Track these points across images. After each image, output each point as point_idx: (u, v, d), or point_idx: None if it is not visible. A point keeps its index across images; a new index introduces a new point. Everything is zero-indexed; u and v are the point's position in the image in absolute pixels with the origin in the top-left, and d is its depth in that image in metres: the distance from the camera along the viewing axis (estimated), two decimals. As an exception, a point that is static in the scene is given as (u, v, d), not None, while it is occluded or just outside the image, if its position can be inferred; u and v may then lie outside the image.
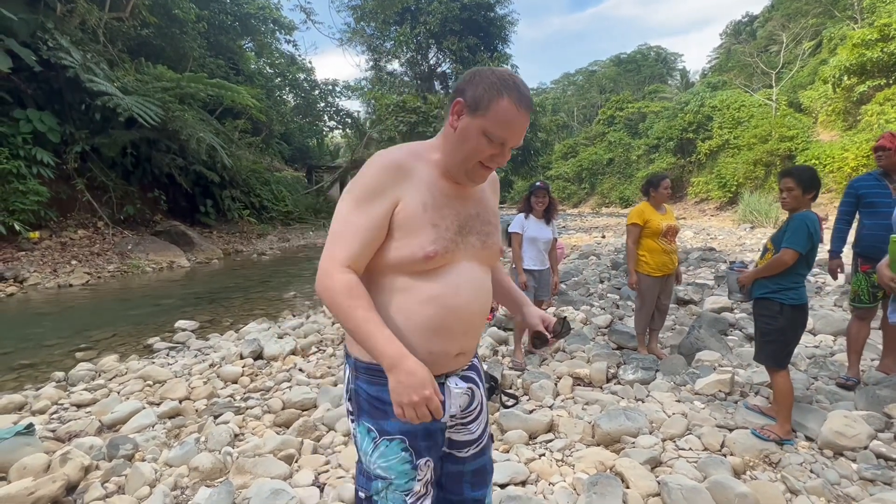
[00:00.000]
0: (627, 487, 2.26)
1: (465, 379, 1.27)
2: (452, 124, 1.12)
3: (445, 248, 1.12)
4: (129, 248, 11.50)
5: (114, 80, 12.00)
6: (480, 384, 1.33)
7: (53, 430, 3.12)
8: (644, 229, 3.99)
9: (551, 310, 5.72)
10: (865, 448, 2.50)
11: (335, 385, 3.72)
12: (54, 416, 3.43)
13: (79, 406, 3.58)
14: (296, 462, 2.64)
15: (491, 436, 1.45)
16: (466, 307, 1.18)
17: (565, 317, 1.44)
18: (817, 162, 17.77)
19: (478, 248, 1.21)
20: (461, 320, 1.18)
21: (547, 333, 1.35)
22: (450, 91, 28.18)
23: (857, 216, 3.43)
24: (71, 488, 2.42)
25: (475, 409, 1.30)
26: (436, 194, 1.14)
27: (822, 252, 3.78)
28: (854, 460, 2.46)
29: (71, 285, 9.13)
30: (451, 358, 1.20)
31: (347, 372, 1.24)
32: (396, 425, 1.15)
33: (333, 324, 5.72)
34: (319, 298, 1.05)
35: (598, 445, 2.73)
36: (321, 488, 2.38)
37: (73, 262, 10.19)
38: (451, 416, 1.24)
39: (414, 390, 1.03)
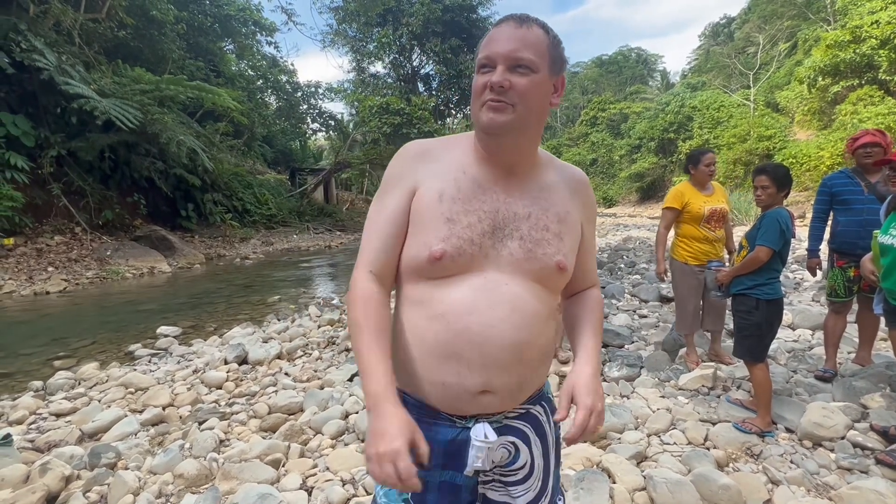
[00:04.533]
0: (614, 482, 2.29)
1: (507, 430, 1.00)
2: None
3: (459, 251, 0.91)
4: (108, 253, 11.28)
5: (90, 83, 11.76)
6: (537, 441, 1.05)
7: (32, 441, 3.05)
8: (683, 213, 3.56)
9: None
10: (843, 438, 2.57)
11: (322, 388, 3.70)
12: (32, 426, 3.34)
13: (58, 415, 3.50)
14: (283, 466, 2.62)
15: None
16: (482, 331, 0.91)
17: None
18: (794, 161, 18.18)
19: (519, 258, 0.95)
20: (476, 347, 0.91)
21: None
22: (433, 93, 28.22)
23: (832, 213, 3.51)
24: (51, 499, 2.38)
25: (520, 469, 1.02)
26: (463, 183, 0.95)
27: (800, 248, 3.85)
28: (832, 450, 2.52)
29: (48, 292, 8.92)
30: (471, 396, 0.94)
31: None
32: None
33: (319, 327, 5.68)
34: None
35: (585, 442, 2.76)
36: (309, 492, 2.36)
37: (50, 268, 9.97)
38: (488, 471, 1.00)
39: (378, 441, 0.80)
